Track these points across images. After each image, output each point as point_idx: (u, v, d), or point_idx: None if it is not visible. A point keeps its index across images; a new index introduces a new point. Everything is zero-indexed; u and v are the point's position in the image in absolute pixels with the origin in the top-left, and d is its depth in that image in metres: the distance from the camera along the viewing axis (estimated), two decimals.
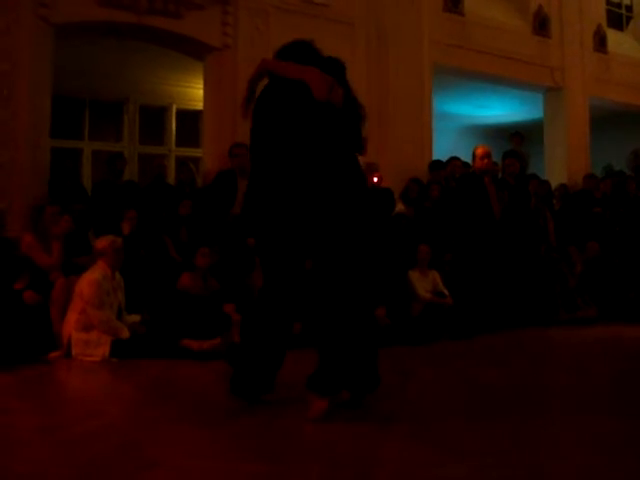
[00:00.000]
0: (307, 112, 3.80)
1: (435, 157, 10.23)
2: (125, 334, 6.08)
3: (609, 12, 13.71)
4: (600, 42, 12.97)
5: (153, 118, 11.69)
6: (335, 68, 4.02)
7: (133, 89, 11.09)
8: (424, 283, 7.79)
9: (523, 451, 3.18)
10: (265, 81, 4.10)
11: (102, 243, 6.34)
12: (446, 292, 7.84)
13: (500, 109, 13.85)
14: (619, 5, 14.27)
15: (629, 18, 14.39)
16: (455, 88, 11.96)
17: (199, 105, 9.89)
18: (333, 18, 9.54)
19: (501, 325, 7.80)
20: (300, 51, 4.07)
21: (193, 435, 3.48)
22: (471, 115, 14.21)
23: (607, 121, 13.36)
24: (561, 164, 12.24)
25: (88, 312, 6.01)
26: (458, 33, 10.88)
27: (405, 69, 10.14)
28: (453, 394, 4.56)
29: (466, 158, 9.43)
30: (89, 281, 6.10)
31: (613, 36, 13.38)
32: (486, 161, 8.15)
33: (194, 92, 10.76)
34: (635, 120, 13.87)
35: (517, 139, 12.00)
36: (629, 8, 14.42)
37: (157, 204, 7.98)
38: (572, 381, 5.02)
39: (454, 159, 9.71)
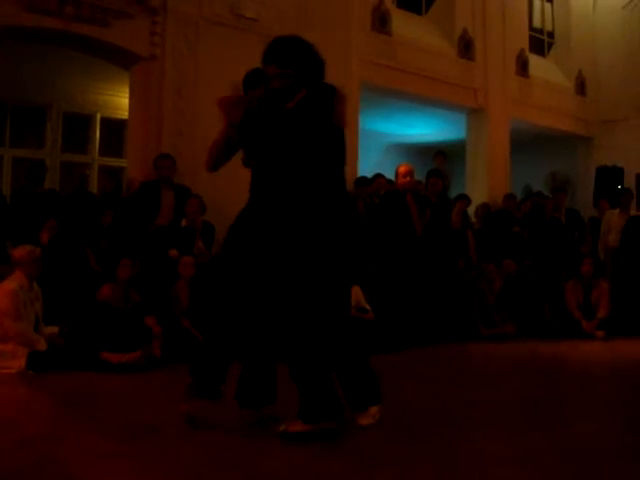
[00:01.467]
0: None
1: (361, 174, 10.33)
2: (42, 346, 5.96)
3: (532, 38, 14.16)
4: (522, 66, 13.37)
5: (77, 126, 11.49)
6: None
7: (57, 96, 10.89)
8: None
9: (443, 464, 3.24)
10: None
11: (20, 252, 6.19)
12: (368, 307, 7.92)
13: (425, 128, 14.11)
14: (541, 31, 14.74)
15: (550, 44, 14.89)
16: (381, 106, 12.13)
17: (124, 114, 9.78)
18: (262, 32, 9.55)
19: (421, 340, 7.92)
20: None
21: (112, 450, 3.44)
22: (396, 133, 14.43)
23: (527, 143, 13.76)
24: (482, 183, 12.53)
25: (4, 323, 5.87)
26: (385, 52, 11.06)
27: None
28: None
29: (391, 175, 9.56)
30: (5, 292, 5.96)
31: (535, 61, 13.81)
32: (408, 179, 8.32)
33: (120, 101, 10.63)
34: (554, 143, 14.34)
35: (440, 158, 12.25)
36: (551, 34, 14.92)
37: (78, 213, 7.85)
38: (488, 395, 5.12)
39: (379, 176, 9.84)
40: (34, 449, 3.46)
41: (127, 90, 9.25)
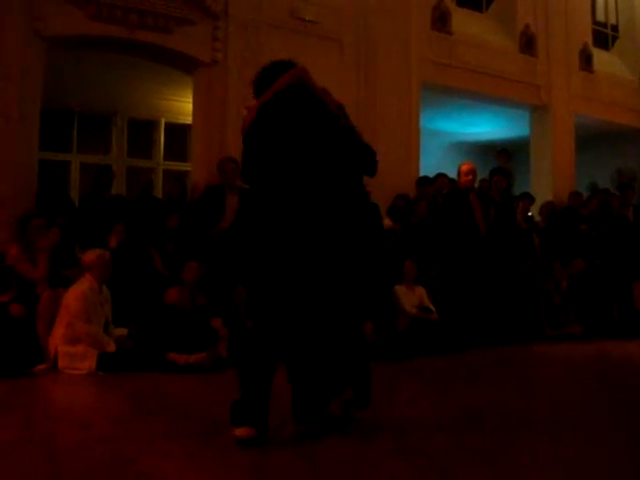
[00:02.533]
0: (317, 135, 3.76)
1: (422, 173, 10.29)
2: (112, 348, 6.07)
3: (595, 32, 13.87)
4: (586, 61, 13.11)
5: (142, 131, 11.70)
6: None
7: (122, 102, 11.11)
8: (410, 298, 7.82)
9: (507, 469, 3.21)
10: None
11: (90, 256, 6.33)
12: (432, 308, 7.88)
13: (487, 126, 13.95)
14: (605, 25, 14.43)
15: (615, 38, 14.57)
16: (442, 105, 12.05)
17: (188, 119, 9.91)
18: (322, 35, 9.62)
19: (486, 341, 7.84)
20: (281, 71, 3.91)
21: (182, 448, 3.49)
22: (458, 132, 14.31)
23: (592, 139, 13.49)
24: (547, 181, 12.33)
25: (75, 325, 6.01)
26: (446, 51, 10.98)
27: (393, 86, 10.23)
28: (438, 410, 4.58)
29: (453, 174, 9.50)
30: (76, 294, 6.10)
31: (599, 55, 13.52)
32: (470, 177, 8.24)
33: (183, 106, 10.78)
34: (619, 138, 14.01)
35: (504, 156, 12.11)
36: (615, 28, 14.59)
37: (145, 218, 7.99)
38: (558, 397, 5.05)
39: (441, 175, 9.78)
40: (108, 448, 3.53)
41: (190, 95, 9.38)
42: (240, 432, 3.46)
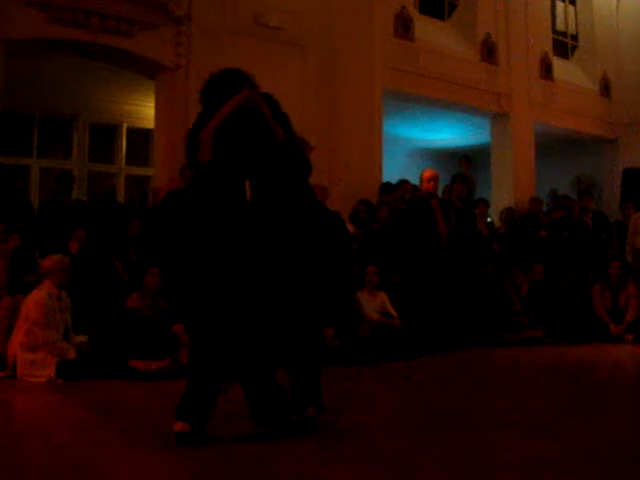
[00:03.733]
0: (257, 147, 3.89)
1: (385, 180, 10.36)
2: (71, 355, 6.01)
3: (555, 41, 14.08)
4: (546, 69, 13.31)
5: (103, 136, 11.61)
6: (269, 103, 4.08)
7: (84, 106, 11.02)
8: (372, 304, 7.85)
9: (470, 469, 3.24)
10: None
11: (49, 262, 6.26)
12: (394, 313, 7.92)
13: (449, 133, 14.09)
14: (565, 34, 14.66)
15: (574, 47, 14.80)
16: (405, 112, 12.14)
17: (150, 124, 9.87)
18: (286, 41, 9.64)
19: (448, 346, 7.90)
20: (231, 81, 4.01)
21: (141, 457, 3.48)
22: (420, 138, 14.42)
23: (552, 147, 13.70)
24: (507, 188, 12.48)
25: (34, 332, 5.93)
26: (408, 58, 11.07)
27: (356, 92, 10.28)
28: (401, 415, 4.62)
29: (415, 181, 9.57)
30: (35, 301, 6.03)
31: (559, 64, 13.73)
32: (432, 184, 8.32)
33: (145, 111, 10.74)
34: (579, 146, 14.25)
35: (465, 163, 12.24)
36: (575, 37, 14.82)
37: (106, 223, 7.93)
38: (515, 400, 5.10)
39: (404, 182, 9.86)
40: (63, 455, 3.51)
41: (153, 100, 9.34)
42: (176, 426, 3.57)
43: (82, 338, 6.35)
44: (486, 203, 10.48)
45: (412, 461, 3.40)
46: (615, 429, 4.15)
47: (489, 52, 12.29)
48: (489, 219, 10.61)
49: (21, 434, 4.08)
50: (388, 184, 9.93)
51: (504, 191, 12.43)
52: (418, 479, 3.12)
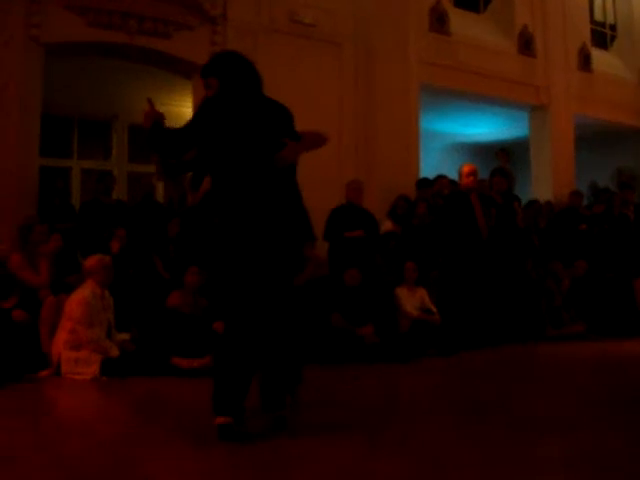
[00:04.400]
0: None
1: (422, 175, 10.31)
2: (114, 352, 6.09)
3: (593, 31, 13.89)
4: (584, 61, 13.12)
5: (142, 137, 11.69)
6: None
7: (122, 108, 11.12)
8: (412, 300, 7.83)
9: (508, 466, 3.22)
10: None
11: (91, 262, 6.35)
12: (433, 309, 7.89)
13: (486, 127, 13.97)
14: (603, 24, 14.45)
15: (613, 37, 14.58)
16: (442, 106, 12.07)
17: None
18: (321, 38, 9.65)
19: (488, 342, 7.85)
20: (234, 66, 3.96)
21: (185, 453, 3.51)
22: (458, 133, 14.33)
23: (592, 139, 13.51)
24: (547, 181, 12.35)
25: (78, 331, 6.03)
26: (444, 52, 11.00)
27: (392, 88, 10.24)
28: (441, 410, 4.60)
29: (453, 176, 9.52)
30: (78, 300, 6.12)
31: (597, 55, 13.54)
32: (472, 179, 8.26)
33: (183, 111, 10.80)
34: (619, 138, 14.03)
35: (503, 156, 12.11)
36: (613, 27, 14.60)
37: (146, 222, 8.01)
38: (558, 397, 5.05)
39: (441, 177, 9.80)
40: (111, 452, 3.56)
41: (190, 100, 9.40)
42: (218, 420, 3.64)
43: (125, 336, 6.43)
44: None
45: (448, 456, 3.39)
46: None
47: (526, 44, 12.16)
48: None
49: (65, 431, 4.14)
50: (425, 179, 9.87)
51: (543, 185, 12.30)
52: (453, 473, 3.10)
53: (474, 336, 7.78)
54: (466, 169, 8.39)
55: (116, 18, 8.17)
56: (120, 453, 3.52)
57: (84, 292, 6.17)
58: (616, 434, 3.82)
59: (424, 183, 9.74)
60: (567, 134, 12.70)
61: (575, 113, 12.76)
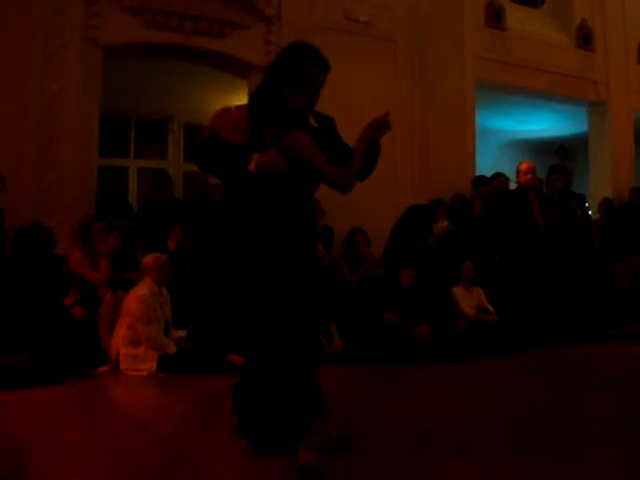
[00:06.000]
0: None
1: (478, 173, 10.19)
2: (172, 349, 6.16)
3: None
4: None
5: (198, 136, 11.83)
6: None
7: (178, 107, 11.26)
8: (468, 299, 7.75)
9: (561, 465, 3.16)
10: None
11: (148, 260, 6.45)
12: (491, 308, 7.79)
13: (543, 124, 13.75)
14: None
15: None
16: (498, 103, 11.92)
17: None
18: (376, 35, 9.61)
19: (546, 342, 7.71)
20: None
21: (240, 448, 3.50)
22: (514, 130, 14.13)
23: None
24: (606, 178, 12.10)
25: (136, 328, 6.11)
26: (500, 48, 10.86)
27: (447, 85, 10.15)
28: (497, 412, 4.53)
29: (510, 173, 9.38)
30: (136, 297, 6.20)
31: None
32: (530, 176, 8.14)
33: None
34: None
35: (562, 154, 11.91)
36: None
37: (202, 221, 8.06)
38: (615, 399, 4.94)
39: (498, 175, 9.66)
40: (167, 448, 3.58)
41: (245, 99, 9.44)
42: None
43: (181, 333, 6.50)
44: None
45: (502, 460, 3.33)
46: None
47: (585, 38, 11.93)
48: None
49: (123, 427, 4.18)
50: (482, 177, 9.76)
51: (603, 182, 12.06)
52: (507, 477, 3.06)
53: (532, 336, 7.65)
54: (524, 167, 8.27)
55: (172, 19, 8.26)
56: (177, 449, 3.53)
57: (142, 290, 6.25)
58: None
59: (481, 181, 9.63)
60: (627, 130, 12.42)
61: (635, 108, 12.47)
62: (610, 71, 12.22)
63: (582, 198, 10.39)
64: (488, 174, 9.83)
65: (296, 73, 3.39)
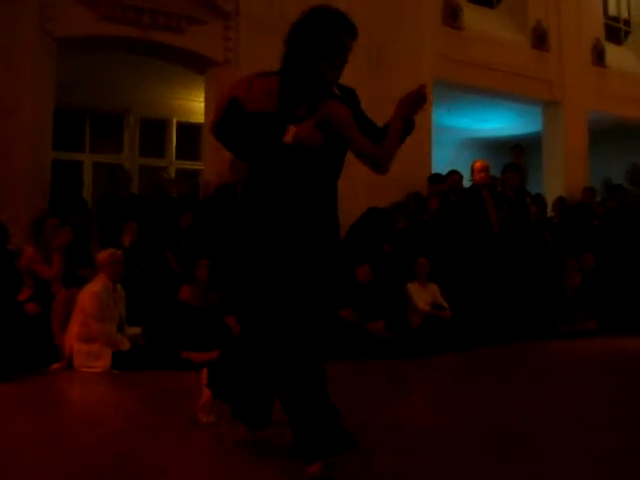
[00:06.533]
0: None
1: (435, 170, 10.28)
2: (126, 346, 6.12)
3: (607, 26, 13.81)
4: (598, 56, 13.06)
5: (154, 131, 11.76)
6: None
7: (134, 102, 11.16)
8: (423, 295, 7.81)
9: (519, 460, 3.22)
10: None
11: (102, 255, 6.38)
12: (445, 305, 7.87)
13: (499, 122, 13.92)
14: (617, 19, 14.37)
15: (627, 32, 14.49)
16: (454, 101, 12.03)
17: (200, 118, 9.95)
18: None
19: (499, 337, 7.82)
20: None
21: (196, 444, 3.52)
22: (470, 128, 14.28)
23: (606, 134, 13.42)
24: (560, 177, 12.30)
25: (89, 324, 6.05)
26: (457, 47, 10.96)
27: (405, 83, 10.16)
28: (449, 408, 4.59)
29: (466, 171, 9.47)
30: (90, 293, 6.14)
31: (611, 50, 13.46)
32: (484, 174, 8.25)
33: (195, 105, 10.82)
34: (634, 133, 13.93)
35: (517, 152, 12.06)
36: (627, 22, 14.51)
37: (158, 216, 8.02)
38: (573, 395, 5.04)
39: (453, 172, 9.75)
40: (123, 444, 3.58)
41: (202, 95, 9.41)
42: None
43: (136, 330, 6.45)
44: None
45: (453, 454, 3.38)
46: None
47: (540, 39, 12.10)
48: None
49: (76, 424, 4.16)
50: (437, 175, 9.84)
51: (556, 180, 12.25)
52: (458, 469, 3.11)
53: (486, 332, 7.76)
54: (478, 165, 8.38)
55: (129, 12, 8.17)
56: (130, 445, 3.54)
57: (96, 286, 6.20)
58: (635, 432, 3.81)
59: (436, 179, 9.71)
60: (580, 130, 12.65)
61: (589, 108, 12.70)
62: (565, 71, 12.42)
63: (540, 197, 10.56)
64: (445, 172, 9.91)
65: (330, 41, 3.22)
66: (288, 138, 3.06)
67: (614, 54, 13.46)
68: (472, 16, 11.36)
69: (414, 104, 3.41)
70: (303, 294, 3.10)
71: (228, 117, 3.18)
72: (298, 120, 3.11)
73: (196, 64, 9.10)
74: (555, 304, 8.86)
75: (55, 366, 5.99)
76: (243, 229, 3.21)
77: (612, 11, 14.25)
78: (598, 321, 8.99)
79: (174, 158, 11.82)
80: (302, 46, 3.22)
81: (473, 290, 8.00)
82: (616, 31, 14.28)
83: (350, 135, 3.21)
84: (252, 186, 3.23)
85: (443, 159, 11.55)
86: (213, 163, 8.95)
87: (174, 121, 11.76)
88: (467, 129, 14.31)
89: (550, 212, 11.00)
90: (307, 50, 3.20)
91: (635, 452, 3.42)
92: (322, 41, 3.20)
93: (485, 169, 8.28)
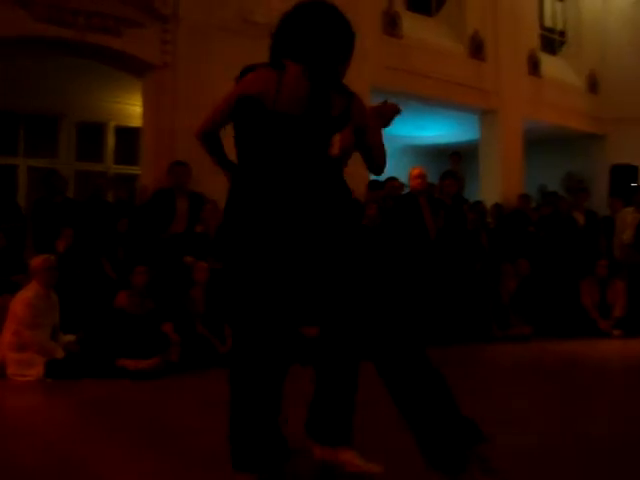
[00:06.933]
0: None
1: (374, 177, 10.34)
2: (59, 354, 6.01)
3: (543, 37, 14.14)
4: (534, 66, 13.36)
5: (91, 135, 11.57)
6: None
7: (71, 105, 10.96)
8: None
9: None
10: None
11: (35, 262, 6.26)
12: None
13: (438, 130, 14.11)
14: (552, 30, 14.71)
15: (562, 43, 14.86)
16: None
17: (138, 122, 9.84)
18: None
19: (435, 341, 7.89)
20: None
21: (130, 453, 3.48)
22: (409, 136, 14.41)
23: (541, 143, 13.74)
24: (496, 184, 12.52)
25: (21, 332, 5.93)
26: (396, 55, 11.06)
27: None
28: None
29: (405, 178, 9.56)
30: (22, 300, 6.02)
31: (547, 60, 13.78)
32: (420, 181, 8.34)
33: (133, 109, 10.70)
34: (568, 142, 14.30)
35: (455, 159, 12.23)
36: (562, 33, 14.87)
37: (94, 222, 7.90)
38: (495, 397, 5.11)
39: (392, 179, 9.83)
40: (53, 453, 3.53)
41: (140, 98, 9.32)
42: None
43: (70, 337, 6.34)
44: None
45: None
46: (595, 428, 4.17)
47: (477, 49, 12.32)
48: None
49: (9, 433, 4.08)
50: (376, 181, 9.90)
51: (492, 188, 12.46)
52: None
53: (421, 336, 7.80)
54: (415, 172, 8.49)
55: (65, 14, 8.04)
56: (64, 454, 3.49)
57: (28, 293, 6.07)
58: (566, 431, 3.89)
59: (375, 185, 9.78)
60: (516, 138, 12.90)
61: (524, 117, 12.97)
62: (501, 81, 12.65)
63: (479, 204, 10.73)
64: (383, 179, 9.98)
65: (351, 43, 3.11)
66: (335, 151, 2.88)
67: (549, 64, 13.78)
68: (411, 24, 11.49)
69: (391, 116, 3.40)
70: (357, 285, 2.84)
71: (246, 117, 2.86)
72: (333, 123, 2.91)
73: (134, 67, 9.00)
74: (491, 309, 9.00)
75: None
76: (260, 241, 2.81)
77: (548, 22, 14.59)
78: (532, 325, 9.16)
79: (112, 163, 11.65)
80: (329, 47, 2.99)
81: (409, 295, 8.07)
82: (551, 42, 14.63)
83: (377, 137, 3.16)
84: (265, 190, 2.82)
85: None
86: (151, 168, 8.86)
87: (112, 125, 11.60)
88: (406, 136, 14.44)
89: (487, 219, 11.18)
90: (336, 52, 3.03)
91: (555, 452, 3.49)
92: (349, 45, 3.11)
93: (422, 176, 8.39)
